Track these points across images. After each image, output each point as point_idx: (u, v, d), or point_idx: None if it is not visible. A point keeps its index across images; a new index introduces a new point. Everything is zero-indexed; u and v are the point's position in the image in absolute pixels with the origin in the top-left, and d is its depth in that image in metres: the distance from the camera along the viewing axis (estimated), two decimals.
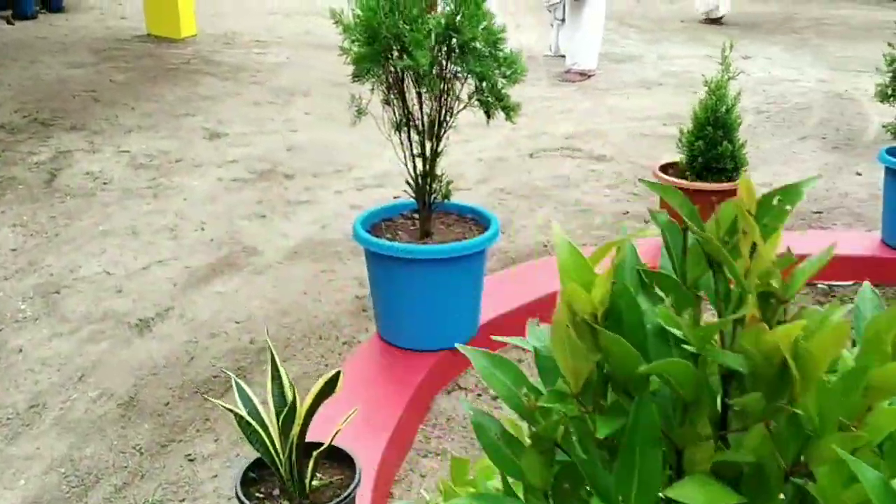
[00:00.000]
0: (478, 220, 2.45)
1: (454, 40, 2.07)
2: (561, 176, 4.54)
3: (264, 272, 3.36)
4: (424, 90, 2.13)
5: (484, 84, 2.10)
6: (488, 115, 2.19)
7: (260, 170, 4.64)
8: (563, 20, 7.75)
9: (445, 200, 2.39)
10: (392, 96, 2.23)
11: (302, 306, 3.04)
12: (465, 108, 2.24)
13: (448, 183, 2.37)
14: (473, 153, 4.95)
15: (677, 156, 4.98)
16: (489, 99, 2.13)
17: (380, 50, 2.07)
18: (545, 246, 3.59)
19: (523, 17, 9.99)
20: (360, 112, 2.31)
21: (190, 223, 3.88)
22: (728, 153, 2.83)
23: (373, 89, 2.27)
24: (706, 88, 3.04)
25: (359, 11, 2.13)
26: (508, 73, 2.10)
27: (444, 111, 2.19)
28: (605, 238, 3.71)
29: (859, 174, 4.60)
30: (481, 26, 2.05)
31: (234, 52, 7.89)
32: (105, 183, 4.41)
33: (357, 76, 2.18)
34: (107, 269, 3.39)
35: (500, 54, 2.13)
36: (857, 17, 10.36)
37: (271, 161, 4.79)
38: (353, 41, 2.16)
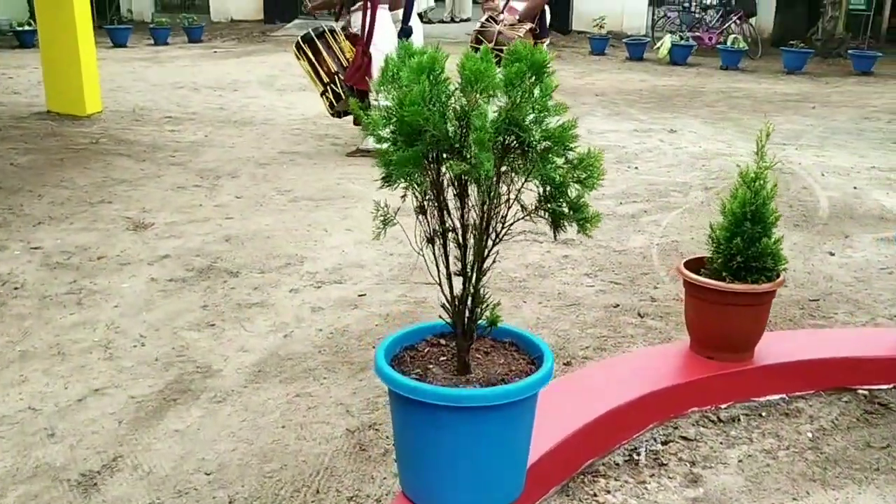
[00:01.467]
0: (519, 347, 2.06)
1: (514, 137, 1.71)
2: (533, 264, 4.22)
3: (227, 400, 2.85)
4: (477, 197, 1.75)
5: (555, 191, 1.74)
6: (557, 226, 1.82)
7: (198, 266, 4.11)
8: None
9: (492, 328, 2.00)
10: (428, 203, 1.84)
11: (284, 446, 2.54)
12: (525, 217, 1.88)
13: (495, 306, 1.98)
14: None
15: (653, 239, 4.83)
16: (562, 209, 1.78)
17: (424, 151, 1.68)
18: (557, 355, 3.23)
19: None
20: (387, 222, 1.90)
21: (126, 338, 3.32)
22: (769, 250, 2.58)
23: (405, 196, 1.87)
24: (739, 179, 2.80)
25: (391, 102, 1.74)
26: (583, 177, 1.76)
27: (495, 221, 1.81)
28: (605, 338, 3.39)
29: (832, 254, 4.49)
30: (550, 121, 1.71)
31: (146, 130, 7.32)
32: (16, 288, 3.79)
33: (389, 181, 1.78)
34: (31, 404, 2.80)
35: (572, 154, 1.78)
36: (759, 90, 10.74)
37: (209, 255, 4.27)
38: (388, 140, 1.76)
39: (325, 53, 6.51)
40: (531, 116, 1.71)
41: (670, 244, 4.64)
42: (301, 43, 6.54)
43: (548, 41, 6.84)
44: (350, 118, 6.65)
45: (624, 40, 13.97)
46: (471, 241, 1.85)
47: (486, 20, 6.66)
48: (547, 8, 6.93)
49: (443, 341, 2.08)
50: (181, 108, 8.58)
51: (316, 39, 6.51)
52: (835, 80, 11.62)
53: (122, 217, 4.84)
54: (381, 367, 1.91)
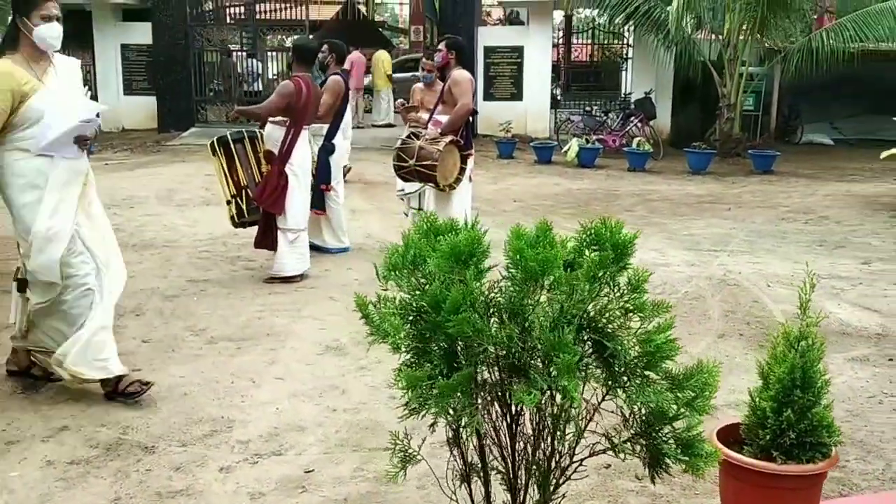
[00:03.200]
0: None
1: (593, 345, 1.24)
2: None
3: None
4: (534, 421, 1.26)
5: (655, 419, 1.27)
6: (655, 465, 1.34)
7: (105, 440, 3.40)
8: (418, 209, 7.21)
9: None
10: (466, 432, 1.33)
11: None
12: (608, 451, 1.39)
13: None
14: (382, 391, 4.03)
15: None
16: (668, 447, 1.30)
17: (473, 374, 1.19)
18: None
19: (357, 202, 9.44)
20: (408, 461, 1.38)
21: None
22: (825, 422, 2.17)
23: (433, 425, 1.35)
24: (780, 336, 2.40)
25: (408, 295, 1.24)
26: (692, 398, 1.29)
27: (559, 453, 1.32)
28: None
29: None
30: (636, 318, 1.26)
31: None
32: None
33: (419, 411, 1.27)
34: None
35: (668, 365, 1.32)
36: (671, 192, 10.84)
37: (117, 424, 3.57)
38: (403, 346, 1.25)
39: (238, 162, 6.03)
40: (618, 318, 1.25)
41: None
42: (216, 144, 6.02)
43: (472, 153, 6.54)
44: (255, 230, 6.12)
45: (531, 144, 14.05)
46: (522, 479, 1.34)
47: (408, 137, 6.33)
48: (471, 118, 6.67)
49: None
50: None
51: (232, 144, 6.01)
52: (739, 179, 11.90)
53: (6, 377, 4.06)
54: None
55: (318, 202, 6.81)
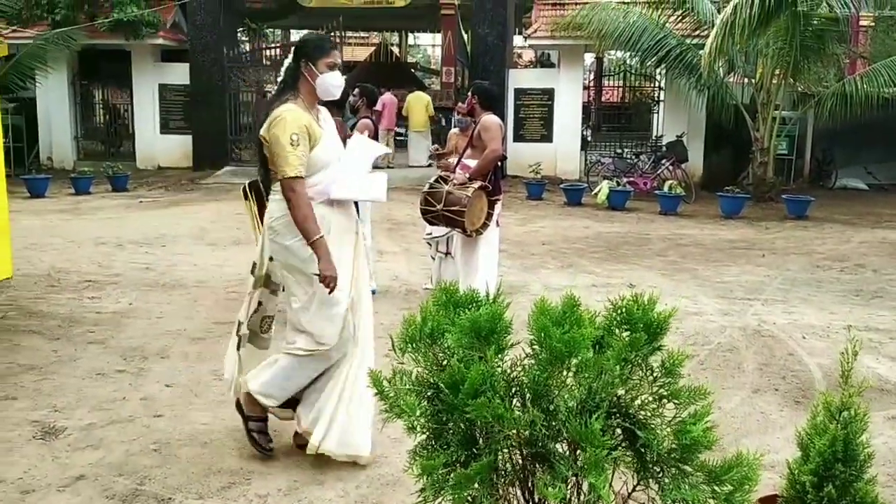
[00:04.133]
0: None
1: (624, 431, 1.16)
2: None
3: None
4: None
5: None
6: None
7: (121, 492, 3.35)
8: (446, 253, 7.16)
9: None
10: None
11: None
12: None
13: None
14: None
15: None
16: None
17: (493, 463, 1.11)
18: None
19: (385, 243, 9.42)
20: None
21: None
22: (869, 498, 2.04)
23: None
24: (820, 405, 2.28)
25: (425, 371, 1.18)
26: (731, 494, 1.20)
27: None
28: None
29: None
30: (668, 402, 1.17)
31: (61, 299, 6.57)
32: None
33: (433, 498, 1.19)
34: None
35: (702, 456, 1.24)
36: (703, 236, 10.68)
37: (135, 474, 3.51)
38: (442, 446, 1.18)
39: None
40: (650, 403, 1.18)
41: None
42: (248, 188, 6.05)
43: (501, 199, 6.50)
44: None
45: (561, 186, 14.00)
46: None
47: (435, 181, 6.31)
48: (501, 163, 6.64)
49: None
50: (103, 268, 7.85)
51: (263, 189, 6.02)
52: (773, 224, 11.71)
53: (28, 421, 4.04)
54: None
55: None
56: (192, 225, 10.69)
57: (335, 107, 6.33)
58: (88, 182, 13.88)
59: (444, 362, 1.21)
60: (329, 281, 3.41)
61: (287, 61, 3.72)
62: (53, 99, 16.85)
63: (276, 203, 3.58)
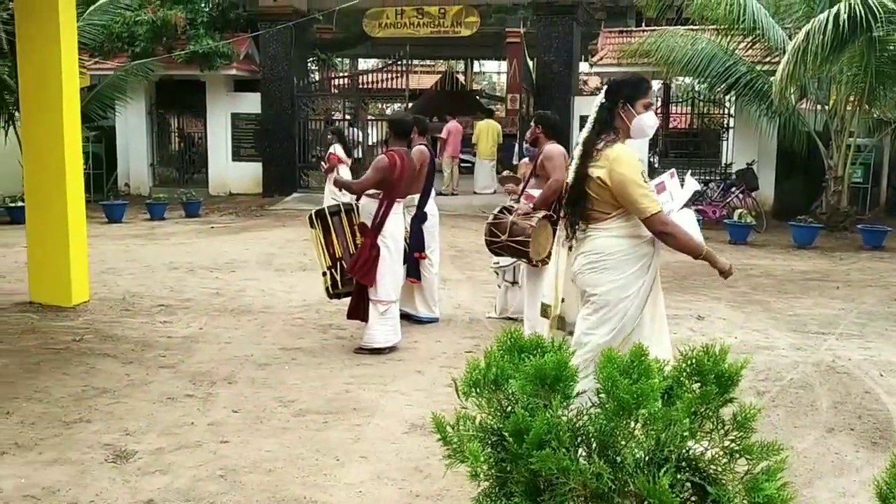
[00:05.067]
0: None
1: (692, 486, 1.13)
2: None
3: None
4: None
5: None
6: None
7: None
8: (513, 282, 7.14)
9: None
10: None
11: None
12: None
13: None
14: None
15: None
16: None
17: None
18: None
19: (449, 270, 9.43)
20: None
21: None
22: None
23: None
24: None
25: (491, 417, 1.16)
26: None
27: None
28: None
29: None
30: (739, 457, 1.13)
31: (135, 323, 6.76)
32: None
33: None
34: None
35: None
36: (775, 267, 10.39)
37: (201, 500, 3.58)
38: (506, 495, 1.17)
39: (335, 234, 6.13)
40: (721, 458, 1.14)
41: None
42: (314, 217, 6.17)
43: None
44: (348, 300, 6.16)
45: None
46: None
47: (500, 211, 6.31)
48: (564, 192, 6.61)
49: None
50: (175, 293, 8.07)
51: (329, 217, 6.13)
52: (848, 255, 11.33)
53: (101, 444, 4.16)
54: None
55: (414, 271, 6.83)
56: (261, 251, 10.91)
57: (400, 137, 6.41)
58: (163, 208, 14.33)
59: (509, 409, 1.20)
60: (730, 271, 3.71)
61: (598, 100, 3.78)
62: (132, 127, 17.51)
63: (606, 239, 3.61)
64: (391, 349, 6.03)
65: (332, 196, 11.58)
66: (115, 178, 17.63)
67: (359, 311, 6.03)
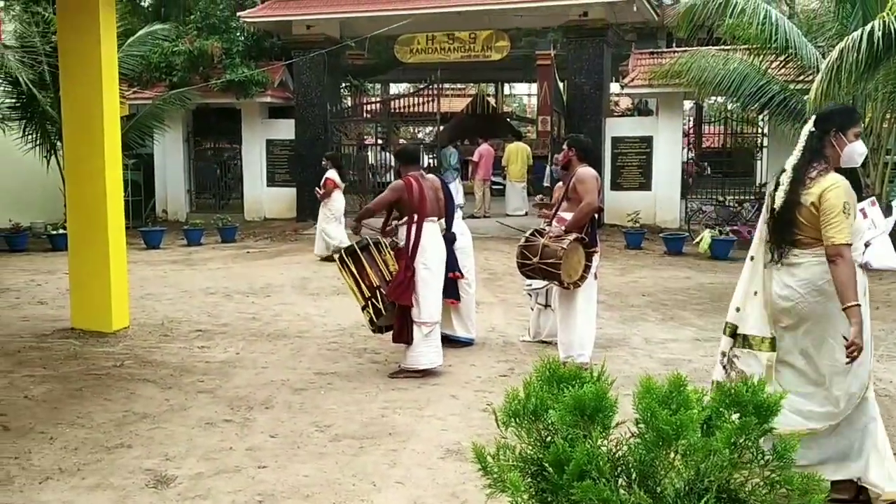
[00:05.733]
0: None
1: None
2: None
3: None
4: None
5: None
6: None
7: None
8: (545, 305, 7.13)
9: None
10: None
11: None
12: None
13: None
14: None
15: None
16: None
17: None
18: None
19: (481, 293, 9.43)
20: None
21: None
22: None
23: None
24: None
25: (529, 447, 1.18)
26: None
27: None
28: None
29: None
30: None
31: (173, 348, 6.87)
32: None
33: None
34: None
35: None
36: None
37: None
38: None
39: (367, 266, 6.14)
40: (762, 489, 1.15)
41: None
42: (344, 256, 6.21)
43: (598, 251, 6.44)
44: (390, 334, 6.18)
45: (661, 235, 13.75)
46: None
47: (531, 234, 6.34)
48: (597, 216, 6.61)
49: None
50: (212, 318, 8.19)
51: (359, 251, 6.17)
52: (886, 275, 11.11)
53: (142, 469, 4.23)
54: None
55: (452, 291, 6.82)
56: (295, 275, 11.03)
57: (411, 164, 6.45)
58: (200, 234, 14.56)
59: (548, 439, 1.22)
60: (855, 350, 3.41)
61: (806, 129, 3.85)
62: (169, 155, 17.87)
63: (821, 266, 3.63)
64: (428, 372, 6.05)
65: (325, 217, 12.17)
66: (153, 205, 17.96)
67: (403, 335, 6.04)
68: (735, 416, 1.21)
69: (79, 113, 7.30)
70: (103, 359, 6.42)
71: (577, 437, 1.18)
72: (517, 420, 1.28)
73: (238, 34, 17.27)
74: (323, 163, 13.22)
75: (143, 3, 19.62)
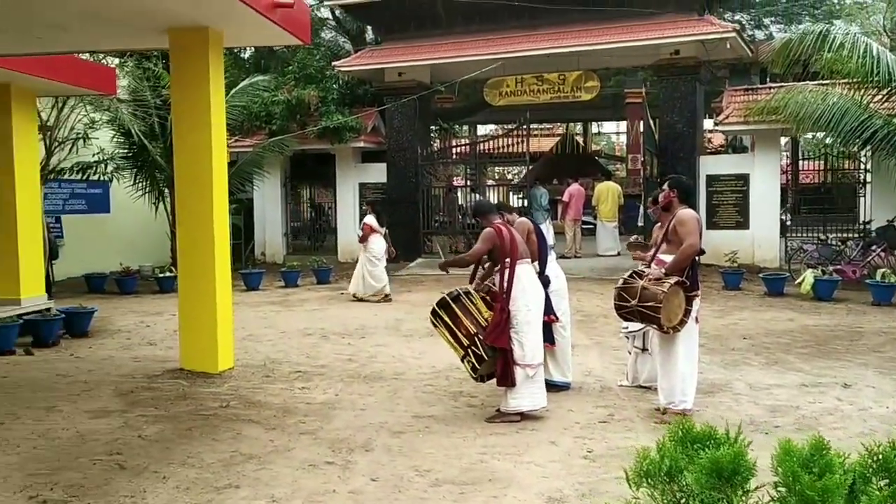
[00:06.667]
0: None
1: None
2: None
3: None
4: None
5: None
6: None
7: None
8: (643, 349, 7.01)
9: None
10: None
11: None
12: None
13: None
14: None
15: None
16: None
17: None
18: None
19: (576, 336, 9.33)
20: None
21: None
22: None
23: None
24: None
25: None
26: None
27: None
28: None
29: None
30: None
31: (275, 389, 7.05)
32: None
33: None
34: None
35: None
36: None
37: None
38: None
39: (462, 315, 6.15)
40: None
41: None
42: (437, 309, 6.24)
43: (699, 294, 6.30)
44: (493, 381, 6.18)
45: (760, 275, 13.34)
46: None
47: (630, 276, 6.24)
48: (698, 258, 6.47)
49: None
50: (311, 359, 8.38)
51: (452, 303, 6.20)
52: None
53: None
54: None
55: (547, 335, 6.78)
56: (389, 316, 11.18)
57: (492, 214, 6.48)
58: (297, 275, 14.97)
59: (683, 502, 1.22)
60: None
61: None
62: (268, 199, 18.53)
63: None
64: (526, 417, 6.01)
65: (367, 259, 12.80)
66: (252, 248, 18.59)
67: (506, 378, 6.03)
68: (883, 483, 1.18)
69: (189, 160, 7.67)
70: (210, 399, 6.65)
71: (715, 500, 1.17)
72: (649, 481, 1.28)
73: (333, 83, 17.89)
74: (364, 208, 13.77)
75: (244, 56, 20.56)
